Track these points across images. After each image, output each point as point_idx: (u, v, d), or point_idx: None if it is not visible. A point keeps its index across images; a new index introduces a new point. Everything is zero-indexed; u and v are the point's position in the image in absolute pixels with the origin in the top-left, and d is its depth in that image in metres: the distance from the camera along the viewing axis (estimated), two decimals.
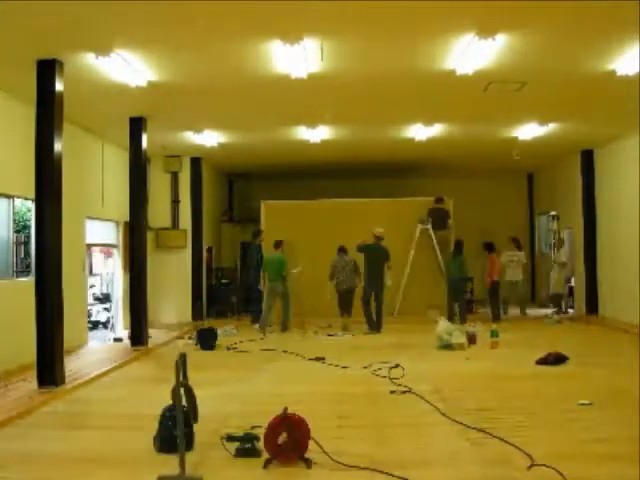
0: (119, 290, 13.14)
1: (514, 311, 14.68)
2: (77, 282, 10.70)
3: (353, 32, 6.91)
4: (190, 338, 11.62)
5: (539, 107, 10.41)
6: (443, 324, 10.78)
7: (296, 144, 13.06)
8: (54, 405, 6.98)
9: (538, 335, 11.84)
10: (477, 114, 10.86)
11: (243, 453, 5.09)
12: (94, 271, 13.51)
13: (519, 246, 15.13)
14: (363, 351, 10.25)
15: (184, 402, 5.00)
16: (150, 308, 11.47)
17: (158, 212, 14.34)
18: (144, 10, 6.11)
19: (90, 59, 7.34)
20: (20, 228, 9.92)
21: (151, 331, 11.41)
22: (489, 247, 14.25)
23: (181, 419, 4.69)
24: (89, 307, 12.42)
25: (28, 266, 9.68)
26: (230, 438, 5.34)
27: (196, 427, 5.37)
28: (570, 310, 15.49)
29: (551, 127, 11.79)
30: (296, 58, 7.38)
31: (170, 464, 4.82)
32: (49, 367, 7.52)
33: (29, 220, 9.75)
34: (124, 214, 11.83)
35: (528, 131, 12.07)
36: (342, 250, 13.09)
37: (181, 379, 4.93)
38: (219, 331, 11.41)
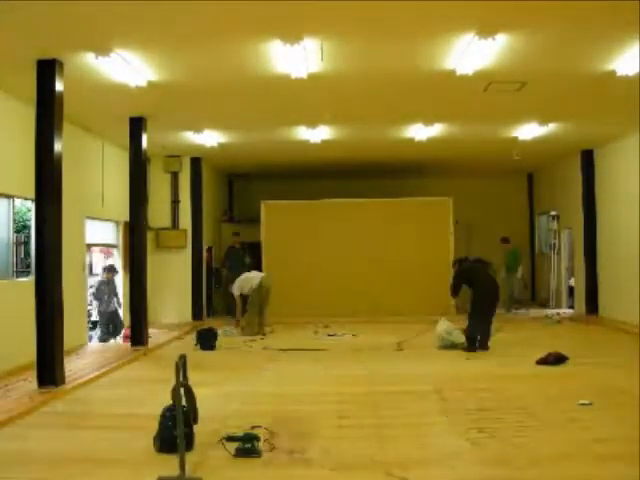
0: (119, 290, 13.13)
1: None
2: (77, 282, 10.70)
3: (353, 32, 6.90)
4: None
5: (539, 107, 10.41)
6: (443, 324, 10.78)
7: (296, 144, 13.05)
8: (54, 405, 6.98)
9: (538, 335, 11.84)
10: (477, 114, 10.86)
11: (243, 453, 5.09)
12: (94, 271, 13.50)
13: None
14: (363, 351, 10.25)
15: (184, 402, 5.00)
16: (150, 308, 11.46)
17: (158, 212, 14.35)
18: (144, 10, 6.11)
19: (90, 59, 7.33)
20: (20, 228, 9.92)
21: (151, 331, 11.41)
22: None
23: (181, 419, 4.68)
24: (89, 307, 12.41)
25: (28, 266, 9.68)
26: (230, 438, 5.34)
27: (196, 427, 5.37)
28: (570, 310, 15.50)
29: (551, 127, 11.79)
30: (296, 58, 7.38)
31: (170, 464, 4.82)
32: (49, 367, 7.51)
33: (29, 220, 9.75)
34: (124, 214, 11.82)
35: (528, 131, 12.07)
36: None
37: (181, 379, 4.93)
38: (219, 331, 11.41)
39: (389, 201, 15.13)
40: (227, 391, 7.48)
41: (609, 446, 5.13)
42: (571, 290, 15.95)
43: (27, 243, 9.87)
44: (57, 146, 7.65)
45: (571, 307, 15.75)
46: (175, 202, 14.77)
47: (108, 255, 13.75)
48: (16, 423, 6.18)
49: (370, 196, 15.25)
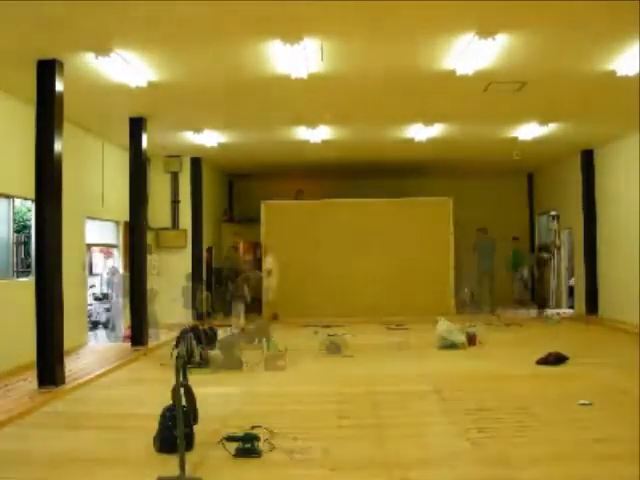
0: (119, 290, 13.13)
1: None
2: (77, 282, 10.70)
3: (353, 32, 6.91)
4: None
5: (539, 107, 10.41)
6: (443, 324, 10.79)
7: (296, 144, 13.06)
8: (54, 405, 6.98)
9: (538, 335, 11.84)
10: (477, 114, 10.86)
11: (243, 453, 5.09)
12: (94, 271, 13.50)
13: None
14: (363, 351, 10.24)
15: (184, 402, 5.00)
16: (150, 308, 11.45)
17: (158, 212, 14.35)
18: (144, 10, 6.11)
19: (90, 59, 7.34)
20: (20, 228, 9.92)
21: (151, 331, 11.40)
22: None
23: (181, 419, 4.69)
24: (89, 307, 12.41)
25: (28, 266, 9.69)
26: (230, 438, 5.34)
27: (196, 427, 5.37)
28: (570, 310, 15.50)
29: (551, 127, 11.79)
30: (296, 58, 7.38)
31: (170, 464, 4.82)
32: (49, 367, 7.52)
33: (29, 220, 9.75)
34: (124, 214, 11.83)
35: (528, 131, 12.07)
36: None
37: (181, 379, 4.93)
38: (219, 331, 11.39)
39: (389, 201, 15.14)
40: (227, 391, 7.48)
41: (609, 446, 5.13)
42: (571, 290, 15.95)
43: (27, 243, 9.88)
44: (57, 146, 7.65)
45: (571, 307, 15.74)
46: (175, 202, 14.78)
47: (108, 255, 13.76)
48: (16, 423, 6.18)
49: (370, 196, 15.25)
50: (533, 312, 15.32)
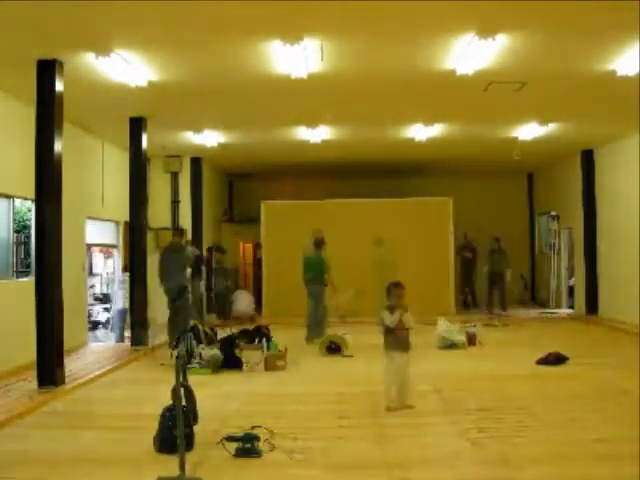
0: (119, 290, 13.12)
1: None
2: (77, 282, 10.70)
3: (353, 32, 6.91)
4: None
5: (539, 107, 10.41)
6: (443, 324, 10.79)
7: (296, 144, 13.06)
8: (54, 405, 6.98)
9: (538, 335, 11.84)
10: (477, 114, 10.86)
11: (243, 453, 5.09)
12: (94, 271, 13.50)
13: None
14: (363, 351, 10.23)
15: (184, 402, 5.00)
16: (150, 308, 11.45)
17: (158, 212, 14.33)
18: (144, 10, 6.11)
19: (90, 59, 7.33)
20: (20, 228, 9.92)
21: (150, 331, 11.39)
22: None
23: (181, 419, 4.68)
24: (89, 307, 12.41)
25: (28, 266, 9.68)
26: (230, 438, 5.34)
27: (196, 427, 5.37)
28: (570, 310, 15.51)
29: (551, 127, 11.79)
30: (296, 58, 7.38)
31: (170, 464, 4.82)
32: (49, 367, 7.51)
33: (29, 220, 9.75)
34: (124, 214, 11.82)
35: (528, 131, 12.07)
36: None
37: (181, 380, 4.93)
38: (219, 331, 11.38)
39: (389, 201, 15.13)
40: (227, 391, 7.48)
41: (609, 446, 5.13)
42: (571, 290, 15.95)
43: (27, 243, 9.87)
44: (57, 146, 7.65)
45: (571, 307, 15.74)
46: (175, 202, 14.78)
47: (108, 255, 13.75)
48: (16, 423, 6.18)
49: (370, 196, 15.25)
50: (534, 312, 15.33)
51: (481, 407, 6.48)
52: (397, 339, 6.39)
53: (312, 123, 11.41)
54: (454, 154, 14.76)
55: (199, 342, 9.10)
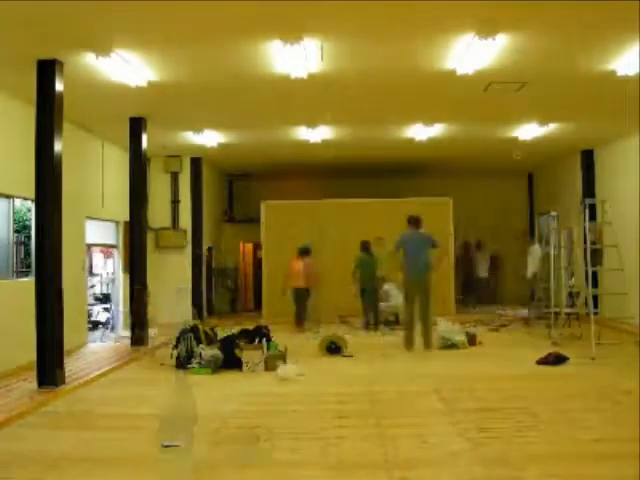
0: (119, 290, 13.14)
1: None
2: (77, 282, 10.70)
3: (353, 32, 6.91)
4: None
5: (539, 107, 10.42)
6: (443, 324, 10.79)
7: (296, 144, 13.06)
8: (54, 405, 6.98)
9: (539, 335, 11.83)
10: (477, 114, 10.86)
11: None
12: (94, 271, 13.51)
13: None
14: (363, 351, 10.24)
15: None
16: (150, 308, 11.44)
17: (158, 212, 14.35)
18: (144, 10, 6.11)
19: (90, 59, 7.34)
20: (20, 228, 9.91)
21: (151, 331, 11.40)
22: None
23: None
24: (89, 307, 12.41)
25: (28, 266, 9.68)
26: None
27: (196, 427, 5.37)
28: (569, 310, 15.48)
29: (551, 127, 11.79)
30: (296, 58, 7.38)
31: (170, 465, 4.83)
32: (49, 367, 7.52)
33: (29, 220, 9.75)
34: (124, 214, 11.82)
35: (528, 131, 12.07)
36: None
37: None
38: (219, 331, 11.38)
39: (389, 201, 15.12)
40: (227, 391, 7.48)
41: (609, 446, 5.14)
42: (571, 290, 15.90)
43: (27, 243, 9.87)
44: (57, 146, 7.65)
45: (571, 307, 15.70)
46: (175, 202, 14.78)
47: (108, 255, 13.76)
48: (16, 423, 6.18)
49: (370, 196, 15.24)
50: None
51: (481, 407, 6.48)
52: None
53: (312, 123, 11.41)
54: (454, 154, 14.76)
55: (199, 342, 9.10)
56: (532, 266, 14.82)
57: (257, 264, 16.88)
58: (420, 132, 12.10)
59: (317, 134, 12.13)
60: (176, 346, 9.15)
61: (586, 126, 11.92)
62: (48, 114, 7.59)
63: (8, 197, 9.04)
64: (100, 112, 10.24)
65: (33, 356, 7.60)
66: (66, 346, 8.00)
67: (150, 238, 13.50)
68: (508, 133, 12.40)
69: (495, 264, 17.26)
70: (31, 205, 9.24)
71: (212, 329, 11.02)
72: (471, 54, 7.31)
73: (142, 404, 6.97)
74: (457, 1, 5.97)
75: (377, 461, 4.90)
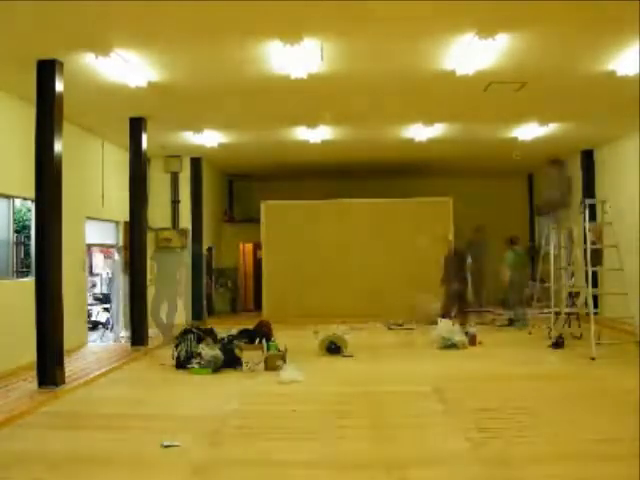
0: (119, 290, 13.12)
1: None
2: (77, 282, 10.70)
3: (353, 32, 6.91)
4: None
5: (539, 107, 10.42)
6: (443, 324, 10.79)
7: (296, 144, 13.06)
8: (54, 405, 6.98)
9: (538, 335, 11.84)
10: (477, 114, 10.86)
11: None
12: (94, 271, 13.51)
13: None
14: (363, 351, 10.25)
15: None
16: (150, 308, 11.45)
17: (158, 212, 14.35)
18: (144, 10, 6.11)
19: (90, 59, 7.34)
20: (20, 228, 9.92)
21: (151, 331, 11.40)
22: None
23: None
24: (89, 307, 12.41)
25: (28, 266, 9.68)
26: None
27: (196, 427, 5.38)
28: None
29: (551, 127, 11.80)
30: (296, 58, 7.38)
31: (170, 464, 4.83)
32: (49, 367, 7.51)
33: (29, 220, 9.75)
34: (124, 214, 11.82)
35: (528, 131, 12.07)
36: None
37: None
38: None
39: (389, 201, 15.13)
40: (227, 391, 7.48)
41: (609, 446, 5.14)
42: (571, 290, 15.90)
43: (27, 243, 9.87)
44: (57, 146, 7.65)
45: (571, 307, 15.70)
46: (175, 202, 14.78)
47: (108, 255, 13.76)
48: (16, 423, 6.18)
49: (370, 196, 15.25)
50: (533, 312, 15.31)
51: (481, 407, 6.48)
52: None
53: (312, 123, 11.41)
54: (454, 154, 14.76)
55: (199, 342, 9.11)
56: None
57: (257, 264, 16.89)
58: (420, 132, 12.10)
59: (317, 134, 12.13)
60: (176, 346, 9.16)
61: (586, 126, 11.92)
62: (48, 114, 7.59)
63: (8, 197, 9.05)
64: (100, 112, 10.25)
65: (33, 356, 7.60)
66: (66, 346, 8.00)
67: (150, 238, 13.49)
68: (508, 133, 12.40)
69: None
70: (31, 205, 9.25)
71: (211, 329, 11.02)
72: (471, 54, 7.31)
73: (142, 404, 6.97)
74: (457, 1, 5.98)
75: (377, 461, 4.90)
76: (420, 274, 14.60)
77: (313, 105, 10.10)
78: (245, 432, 5.75)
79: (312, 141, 12.56)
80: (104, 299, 13.50)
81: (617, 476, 4.53)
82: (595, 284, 14.21)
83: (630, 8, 6.03)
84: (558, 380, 7.83)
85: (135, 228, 10.96)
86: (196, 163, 14.78)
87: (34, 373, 7.58)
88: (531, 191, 18.73)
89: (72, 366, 8.68)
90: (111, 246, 13.39)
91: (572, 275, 15.69)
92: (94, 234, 12.03)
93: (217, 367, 8.64)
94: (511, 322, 13.36)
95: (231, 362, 8.81)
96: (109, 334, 12.32)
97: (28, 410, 6.57)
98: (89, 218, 11.63)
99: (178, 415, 6.40)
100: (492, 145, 13.54)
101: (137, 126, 10.72)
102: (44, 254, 7.63)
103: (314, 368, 9.02)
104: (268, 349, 8.95)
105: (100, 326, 12.89)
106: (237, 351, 8.91)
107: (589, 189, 14.36)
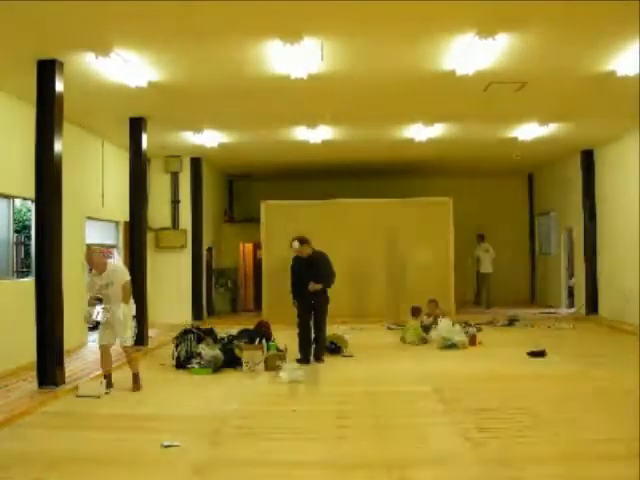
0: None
1: None
2: (77, 282, 10.69)
3: (353, 32, 6.90)
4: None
5: (539, 107, 10.42)
6: (443, 324, 10.79)
7: (296, 144, 13.06)
8: (54, 405, 6.98)
9: (539, 335, 11.83)
10: (477, 114, 10.86)
11: None
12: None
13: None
14: (363, 351, 10.25)
15: None
16: (150, 308, 11.45)
17: (158, 212, 14.35)
18: (144, 10, 6.11)
19: (90, 59, 7.34)
20: (20, 228, 9.92)
21: (151, 331, 11.40)
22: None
23: None
24: (89, 307, 12.37)
25: (28, 266, 9.68)
26: None
27: (196, 427, 5.37)
28: (571, 310, 15.51)
29: (551, 127, 11.79)
30: (296, 58, 7.38)
31: (170, 464, 4.83)
32: (49, 367, 7.51)
33: (29, 220, 9.75)
34: (124, 214, 11.82)
35: (528, 131, 12.06)
36: None
37: None
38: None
39: (389, 201, 15.13)
40: (227, 391, 7.48)
41: (609, 446, 5.14)
42: (571, 290, 15.94)
43: (27, 243, 9.87)
44: (57, 146, 7.64)
45: (571, 307, 15.73)
46: (175, 202, 14.78)
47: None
48: (16, 423, 6.18)
49: (370, 196, 15.24)
50: (533, 312, 15.32)
51: (481, 407, 6.48)
52: None
53: (312, 123, 11.41)
54: (454, 154, 14.76)
55: (199, 342, 9.11)
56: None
57: (257, 264, 16.89)
58: (420, 132, 12.10)
59: (317, 134, 12.13)
60: (177, 346, 9.16)
61: (586, 126, 11.91)
62: (48, 114, 7.59)
63: (8, 197, 9.05)
64: (100, 112, 10.24)
65: (33, 356, 7.60)
66: (66, 346, 8.00)
67: (150, 238, 13.50)
68: (508, 133, 12.39)
69: None
70: (31, 205, 9.24)
71: (211, 329, 11.02)
72: (471, 54, 7.31)
73: (142, 404, 6.98)
74: (457, 1, 5.97)
75: (377, 461, 4.91)
76: (420, 273, 14.62)
77: (313, 105, 10.10)
78: (245, 432, 5.76)
79: (312, 141, 12.55)
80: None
81: (617, 476, 4.53)
82: (594, 284, 14.22)
83: (630, 8, 6.02)
84: (558, 380, 7.83)
85: (135, 228, 10.97)
86: (196, 163, 14.78)
87: (34, 373, 7.58)
88: (531, 191, 18.74)
89: (72, 366, 8.68)
90: (111, 246, 13.39)
91: (572, 275, 15.74)
92: (94, 234, 12.03)
93: (217, 367, 8.64)
94: (511, 322, 13.38)
95: (231, 362, 8.82)
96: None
97: (28, 410, 6.57)
98: (89, 218, 11.63)
99: (178, 415, 6.41)
100: (492, 145, 13.54)
101: (137, 126, 10.72)
102: (44, 254, 7.63)
103: (314, 368, 9.02)
104: (268, 349, 8.95)
105: (100, 326, 12.87)
106: (237, 351, 8.91)
107: (589, 189, 14.37)
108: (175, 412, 6.53)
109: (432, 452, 5.18)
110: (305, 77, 8.01)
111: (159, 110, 10.29)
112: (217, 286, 16.46)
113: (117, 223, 13.15)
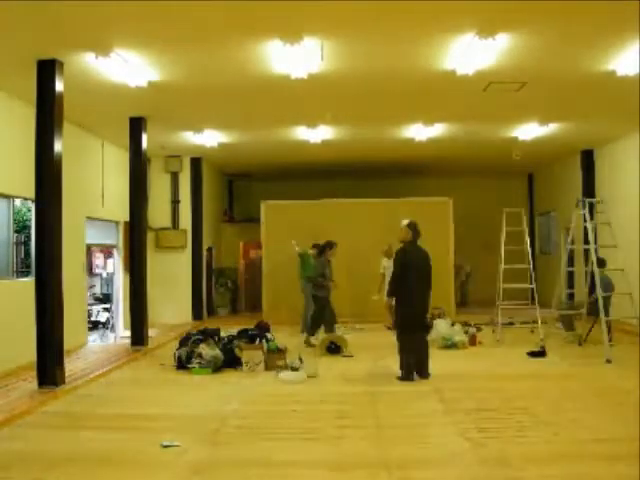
0: (119, 290, 13.14)
1: None
2: (77, 282, 10.70)
3: (353, 32, 6.91)
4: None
5: (539, 107, 10.42)
6: (443, 324, 10.79)
7: (296, 144, 13.06)
8: (54, 405, 6.98)
9: (539, 335, 11.82)
10: (477, 114, 10.86)
11: None
12: (94, 271, 13.52)
13: None
14: (363, 351, 10.25)
15: None
16: (150, 308, 11.45)
17: (158, 212, 14.36)
18: (144, 10, 6.11)
19: (90, 59, 7.34)
20: (20, 228, 9.92)
21: (151, 331, 11.40)
22: None
23: None
24: (89, 307, 12.41)
25: (28, 266, 9.68)
26: None
27: (196, 427, 5.37)
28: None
29: (551, 127, 11.80)
30: (296, 58, 7.39)
31: (170, 464, 4.83)
32: (49, 367, 7.52)
33: (29, 220, 9.75)
34: (124, 214, 11.83)
35: (528, 131, 12.07)
36: None
37: None
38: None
39: (389, 201, 15.12)
40: (227, 391, 7.48)
41: (609, 446, 5.14)
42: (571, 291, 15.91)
43: (27, 243, 9.87)
44: (57, 146, 7.65)
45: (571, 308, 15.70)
46: (175, 202, 14.79)
47: (108, 255, 13.76)
48: (16, 423, 6.18)
49: (370, 196, 15.24)
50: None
51: (481, 407, 6.48)
52: None
53: (312, 123, 11.41)
54: (454, 154, 14.76)
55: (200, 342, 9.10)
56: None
57: (257, 264, 16.88)
58: (420, 132, 12.10)
59: (317, 134, 12.13)
60: (179, 347, 9.15)
61: (586, 126, 11.92)
62: (48, 114, 7.59)
63: (8, 197, 9.05)
64: (100, 112, 10.25)
65: (33, 356, 7.60)
66: (66, 346, 8.00)
67: (150, 238, 13.50)
68: (508, 133, 12.40)
69: None
70: (31, 205, 9.25)
71: (215, 330, 11.00)
72: (471, 54, 7.31)
73: (142, 404, 6.97)
74: (457, 1, 5.98)
75: (377, 461, 4.90)
76: None
77: (313, 105, 10.10)
78: (245, 432, 5.75)
79: (312, 141, 12.56)
80: (104, 299, 13.50)
81: (617, 476, 4.53)
82: (594, 284, 14.19)
83: (630, 8, 6.03)
84: (558, 380, 7.83)
85: (135, 228, 10.97)
86: (196, 163, 14.79)
87: (34, 373, 7.58)
88: (531, 191, 18.74)
89: (72, 366, 8.68)
90: (111, 246, 13.40)
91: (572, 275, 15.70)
92: (94, 234, 12.03)
93: (217, 367, 8.64)
94: (511, 322, 13.37)
95: (231, 362, 8.82)
96: (109, 334, 12.34)
97: (28, 410, 6.58)
98: (89, 218, 11.63)
99: (178, 415, 6.40)
100: (492, 145, 13.54)
101: (137, 126, 10.72)
102: (44, 254, 7.63)
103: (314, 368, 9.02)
104: (268, 349, 8.95)
105: (100, 326, 12.90)
106: (237, 351, 8.91)
107: (589, 189, 14.37)
108: (175, 412, 6.53)
109: (432, 452, 5.17)
110: (305, 77, 8.01)
111: (159, 110, 10.30)
112: (217, 286, 16.46)
113: (117, 223, 13.15)
